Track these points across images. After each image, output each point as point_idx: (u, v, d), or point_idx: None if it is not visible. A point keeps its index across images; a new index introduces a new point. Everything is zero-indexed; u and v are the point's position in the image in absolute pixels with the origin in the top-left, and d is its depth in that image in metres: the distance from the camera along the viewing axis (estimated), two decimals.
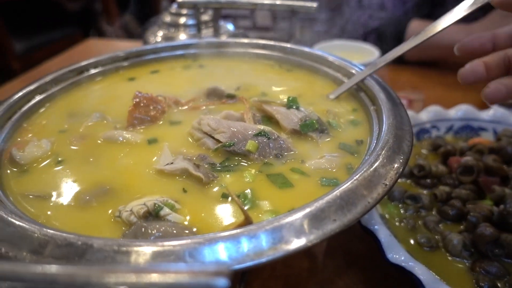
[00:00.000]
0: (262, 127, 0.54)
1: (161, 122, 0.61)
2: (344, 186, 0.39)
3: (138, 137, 0.57)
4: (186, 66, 0.81)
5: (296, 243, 0.34)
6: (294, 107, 0.60)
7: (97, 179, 0.49)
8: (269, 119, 0.60)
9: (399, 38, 1.22)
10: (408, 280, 0.49)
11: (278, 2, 0.86)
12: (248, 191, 0.46)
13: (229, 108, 0.62)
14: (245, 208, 0.43)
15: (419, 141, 0.82)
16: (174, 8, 1.13)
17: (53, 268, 0.24)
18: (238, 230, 0.34)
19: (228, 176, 0.49)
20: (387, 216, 0.63)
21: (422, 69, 1.25)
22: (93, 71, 0.76)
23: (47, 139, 0.57)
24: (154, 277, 0.23)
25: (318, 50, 0.78)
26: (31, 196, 0.47)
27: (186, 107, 0.66)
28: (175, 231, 0.39)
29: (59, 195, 0.47)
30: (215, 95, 0.68)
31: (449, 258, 0.55)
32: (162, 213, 0.42)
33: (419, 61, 1.25)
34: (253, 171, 0.50)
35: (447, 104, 0.87)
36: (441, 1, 1.31)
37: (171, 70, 0.80)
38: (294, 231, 0.35)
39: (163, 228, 0.40)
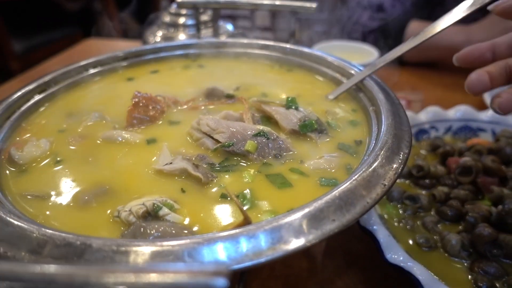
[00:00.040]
0: (261, 127, 0.54)
1: (160, 122, 0.61)
2: (343, 186, 0.39)
3: (137, 137, 0.57)
4: (186, 66, 0.81)
5: (295, 243, 0.34)
6: (293, 108, 0.60)
7: (96, 179, 0.49)
8: (268, 119, 0.60)
9: (399, 39, 1.22)
10: (407, 280, 0.49)
11: (277, 3, 0.86)
12: (247, 191, 0.46)
13: (228, 108, 0.62)
14: (244, 208, 0.43)
15: (418, 141, 0.82)
16: (173, 8, 1.13)
17: (51, 268, 0.24)
18: (237, 230, 0.34)
19: (227, 176, 0.49)
20: (386, 216, 0.63)
21: (421, 70, 1.25)
22: (92, 71, 0.75)
23: (46, 139, 0.57)
24: (153, 277, 0.23)
25: (317, 50, 0.78)
26: (29, 196, 0.47)
27: (185, 107, 0.66)
28: (174, 231, 0.39)
29: (57, 195, 0.47)
30: (215, 95, 0.68)
31: (448, 258, 0.56)
32: (161, 213, 0.42)
33: (418, 62, 1.25)
34: (252, 171, 0.50)
35: (446, 104, 0.87)
36: (441, 2, 1.31)
37: (170, 70, 0.80)
38: (293, 231, 0.35)
39: (162, 228, 0.40)
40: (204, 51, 0.83)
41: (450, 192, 0.65)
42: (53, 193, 0.48)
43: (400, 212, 0.64)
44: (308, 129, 0.55)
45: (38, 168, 0.52)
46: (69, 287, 0.24)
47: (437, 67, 1.25)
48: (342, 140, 0.55)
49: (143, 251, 0.33)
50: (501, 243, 0.54)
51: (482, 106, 0.92)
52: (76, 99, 0.70)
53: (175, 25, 1.10)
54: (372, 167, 0.42)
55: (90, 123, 0.61)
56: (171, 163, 0.50)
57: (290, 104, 0.60)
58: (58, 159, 0.53)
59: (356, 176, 0.41)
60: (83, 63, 0.75)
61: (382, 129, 0.49)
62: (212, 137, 0.54)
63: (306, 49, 0.77)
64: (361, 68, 0.66)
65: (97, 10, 3.10)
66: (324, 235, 0.35)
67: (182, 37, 1.09)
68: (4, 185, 0.49)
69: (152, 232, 0.39)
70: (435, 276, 0.50)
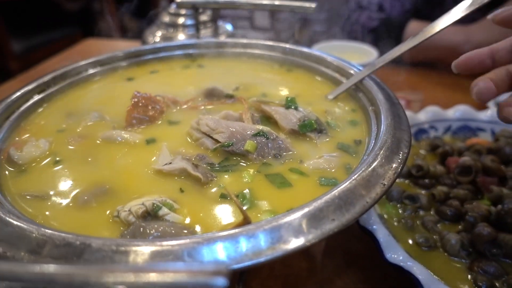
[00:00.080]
0: (260, 127, 0.54)
1: (160, 122, 0.61)
2: (343, 186, 0.39)
3: (137, 137, 0.57)
4: (185, 66, 0.81)
5: (295, 242, 0.34)
6: (292, 107, 0.60)
7: (95, 179, 0.49)
8: (267, 119, 0.60)
9: (398, 39, 1.23)
10: (407, 280, 0.49)
11: (276, 3, 0.86)
12: (246, 191, 0.46)
13: (228, 108, 0.62)
14: (244, 208, 0.43)
15: (417, 141, 0.82)
16: (172, 8, 1.13)
17: (51, 268, 0.24)
18: (237, 230, 0.34)
19: (226, 176, 0.49)
20: (385, 216, 0.63)
21: (420, 70, 1.25)
22: (91, 71, 0.75)
23: (45, 139, 0.57)
24: (153, 277, 0.23)
25: (316, 50, 0.78)
26: (28, 197, 0.47)
27: (184, 107, 0.66)
28: (173, 231, 0.39)
29: (57, 195, 0.47)
30: (214, 95, 0.68)
31: (447, 257, 0.56)
32: (160, 213, 0.42)
33: (418, 62, 1.25)
34: (251, 171, 0.50)
35: (445, 104, 0.87)
36: (440, 2, 1.32)
37: (170, 70, 0.80)
38: (292, 231, 0.35)
39: (162, 228, 0.40)
40: (204, 51, 0.83)
41: (449, 192, 0.65)
42: (52, 193, 0.47)
43: (400, 211, 0.64)
44: (308, 129, 0.56)
45: (38, 168, 0.52)
46: (69, 287, 0.24)
47: (437, 67, 1.25)
48: (342, 140, 0.55)
49: (142, 251, 0.33)
50: (501, 242, 0.54)
51: (481, 106, 0.92)
52: (75, 99, 0.70)
53: (174, 25, 1.10)
54: (372, 166, 0.42)
55: (89, 123, 0.61)
56: (170, 163, 0.50)
57: (290, 104, 0.60)
58: (58, 159, 0.53)
59: (355, 176, 0.41)
60: (82, 63, 0.75)
61: (382, 129, 0.49)
62: (211, 137, 0.54)
63: (305, 49, 0.77)
64: (360, 68, 0.66)
65: (97, 10, 3.10)
66: (323, 234, 0.35)
67: (181, 37, 1.09)
68: (3, 185, 0.49)
69: (152, 232, 0.39)
70: (434, 276, 0.50)
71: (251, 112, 0.60)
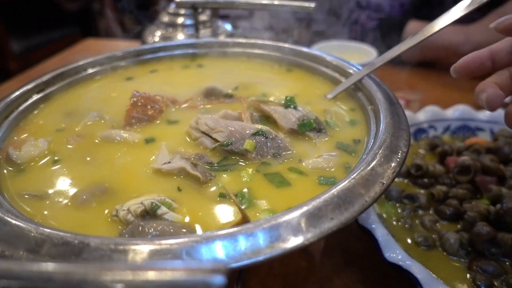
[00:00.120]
0: (259, 126, 0.54)
1: (159, 122, 0.61)
2: (342, 185, 0.39)
3: (136, 137, 0.57)
4: (185, 65, 0.81)
5: (294, 241, 0.34)
6: (291, 107, 0.60)
7: (94, 178, 0.49)
8: (267, 118, 0.60)
9: (397, 39, 1.23)
10: (406, 279, 0.49)
11: (276, 2, 0.86)
12: (245, 190, 0.46)
13: (227, 107, 0.62)
14: (243, 207, 0.43)
15: (416, 141, 0.82)
16: (172, 8, 1.13)
17: (49, 266, 0.24)
18: (236, 229, 0.34)
19: (225, 175, 0.49)
20: (384, 215, 0.63)
21: (420, 70, 1.25)
22: (90, 70, 0.75)
23: (44, 138, 0.57)
24: (151, 275, 0.22)
25: (316, 50, 0.78)
26: (27, 196, 0.47)
27: (183, 106, 0.65)
28: (172, 230, 0.39)
29: (55, 195, 0.47)
30: (213, 94, 0.68)
31: (446, 257, 0.56)
32: (159, 212, 0.42)
33: (417, 63, 1.25)
34: (250, 170, 0.50)
35: (444, 104, 0.87)
36: (439, 2, 1.32)
37: (169, 70, 0.80)
38: (291, 230, 0.35)
39: (160, 227, 0.39)
40: (203, 51, 0.83)
41: (448, 191, 0.65)
42: (51, 192, 0.47)
43: (399, 211, 0.64)
44: (307, 128, 0.56)
45: (36, 167, 0.52)
46: (67, 285, 0.23)
47: (436, 67, 1.25)
48: (341, 139, 0.55)
49: (141, 249, 0.33)
50: (499, 241, 0.55)
51: (480, 106, 0.92)
52: (74, 98, 0.70)
53: (173, 25, 1.10)
54: (371, 165, 0.42)
55: (88, 123, 0.61)
56: (169, 162, 0.50)
57: (289, 103, 0.60)
58: (56, 158, 0.53)
59: (354, 175, 0.41)
60: (81, 62, 0.75)
61: (381, 128, 0.49)
62: (210, 136, 0.54)
63: (305, 49, 0.77)
64: (359, 67, 0.66)
65: (96, 10, 3.10)
66: (322, 233, 0.35)
67: (180, 37, 1.09)
68: (1, 184, 0.49)
69: (151, 231, 0.39)
70: (433, 275, 0.50)
71: (250, 112, 0.60)
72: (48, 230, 0.35)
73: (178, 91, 0.69)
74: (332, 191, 0.38)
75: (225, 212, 0.44)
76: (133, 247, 0.33)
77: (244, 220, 0.38)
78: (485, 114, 0.84)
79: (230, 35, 1.13)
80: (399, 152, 0.45)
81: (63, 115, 0.64)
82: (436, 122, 0.84)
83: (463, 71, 0.49)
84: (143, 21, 1.16)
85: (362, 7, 1.40)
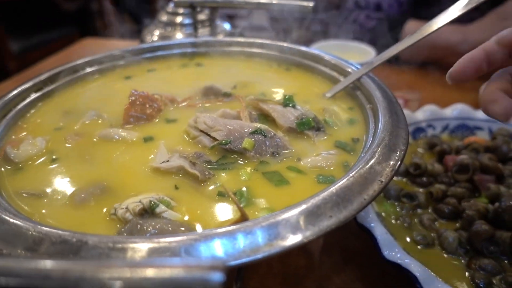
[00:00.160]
0: (258, 125, 0.54)
1: (157, 120, 0.61)
2: (340, 183, 0.39)
3: (134, 135, 0.57)
4: (183, 64, 0.81)
5: (292, 239, 0.34)
6: (290, 105, 0.60)
7: (92, 177, 0.49)
8: (265, 117, 0.60)
9: (396, 39, 1.23)
10: (405, 277, 0.49)
11: (274, 2, 0.86)
12: (244, 189, 0.46)
13: (226, 106, 0.62)
14: (241, 205, 0.43)
15: (415, 140, 0.82)
16: (170, 7, 1.12)
17: (47, 264, 0.24)
18: (234, 227, 0.34)
19: (224, 174, 0.49)
20: (383, 214, 0.63)
21: (418, 69, 1.25)
22: (89, 69, 0.75)
23: (42, 137, 0.56)
24: (149, 272, 0.22)
25: (314, 49, 0.78)
26: (25, 194, 0.47)
27: (182, 105, 0.65)
28: (171, 228, 0.39)
29: (53, 193, 0.47)
30: (212, 93, 0.68)
31: (445, 255, 0.56)
32: (157, 210, 0.42)
33: (416, 62, 1.26)
34: (249, 169, 0.49)
35: (443, 103, 0.88)
36: (437, 2, 1.32)
37: (168, 69, 0.80)
38: (290, 228, 0.35)
39: (159, 225, 0.39)
40: (202, 50, 0.83)
41: (447, 190, 0.65)
42: (49, 191, 0.47)
43: (398, 210, 0.64)
44: (305, 126, 0.55)
45: (34, 166, 0.52)
46: (65, 283, 0.23)
47: (434, 67, 1.25)
48: (339, 137, 0.55)
49: (139, 247, 0.33)
50: (498, 240, 0.55)
51: (478, 105, 0.92)
52: (72, 97, 0.70)
53: (172, 24, 1.10)
54: (369, 164, 0.42)
55: (86, 122, 0.61)
56: (168, 161, 0.50)
57: (288, 102, 0.60)
58: (54, 157, 0.53)
59: (353, 173, 0.41)
60: (79, 61, 0.74)
61: (379, 126, 0.49)
62: (209, 135, 0.53)
63: (303, 48, 0.77)
64: (358, 66, 0.66)
65: (94, 10, 3.09)
66: (321, 231, 0.35)
67: (179, 36, 1.09)
68: None
69: (149, 229, 0.39)
70: (432, 273, 0.50)
71: (248, 110, 0.59)
72: (46, 229, 0.35)
73: (177, 90, 0.69)
74: (331, 189, 0.38)
75: (223, 211, 0.44)
76: (131, 245, 0.33)
77: (243, 218, 0.38)
78: (483, 113, 0.84)
79: (229, 34, 1.13)
80: (397, 151, 0.45)
81: (61, 114, 0.64)
82: (435, 121, 0.84)
83: (458, 77, 0.48)
84: (142, 20, 1.16)
85: (361, 6, 1.40)
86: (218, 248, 0.33)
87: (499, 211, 0.57)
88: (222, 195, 0.45)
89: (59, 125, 0.61)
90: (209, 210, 0.44)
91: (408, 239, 0.58)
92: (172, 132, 0.58)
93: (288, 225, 0.35)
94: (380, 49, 1.14)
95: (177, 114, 0.63)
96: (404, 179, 0.71)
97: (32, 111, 0.65)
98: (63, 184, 0.48)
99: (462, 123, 0.84)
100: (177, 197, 0.45)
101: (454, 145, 0.76)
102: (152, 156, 0.52)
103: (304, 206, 0.36)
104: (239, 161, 0.51)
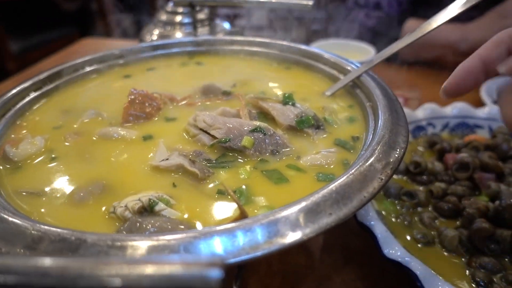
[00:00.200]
0: (258, 123, 0.54)
1: (157, 119, 0.61)
2: (340, 181, 0.39)
3: (133, 134, 0.57)
4: (183, 63, 0.81)
5: (292, 236, 0.34)
6: (290, 104, 0.60)
7: (91, 175, 0.49)
8: (265, 115, 0.60)
9: (396, 37, 1.23)
10: (405, 276, 0.49)
11: (274, 0, 0.86)
12: (243, 187, 0.46)
13: (225, 105, 0.62)
14: (241, 203, 0.43)
15: (415, 138, 0.82)
16: (170, 6, 1.12)
17: (45, 261, 0.24)
18: (234, 224, 0.34)
19: (223, 172, 0.49)
20: (383, 212, 0.63)
21: (418, 68, 1.25)
22: (88, 68, 0.75)
23: (41, 136, 0.56)
24: (148, 269, 0.22)
25: (314, 47, 0.78)
26: (24, 193, 0.47)
27: (181, 103, 0.65)
28: (170, 226, 0.39)
29: (52, 192, 0.47)
30: (211, 92, 0.68)
31: (445, 253, 0.55)
32: (157, 208, 0.41)
33: (415, 61, 1.25)
34: (248, 167, 0.49)
35: (443, 102, 0.87)
36: (437, 0, 1.32)
37: (167, 68, 0.80)
38: (289, 225, 0.35)
39: (158, 223, 0.39)
40: (202, 49, 0.83)
41: (447, 188, 0.65)
42: (48, 189, 0.47)
43: (398, 208, 0.64)
44: (305, 124, 0.55)
45: (33, 165, 0.52)
46: (63, 280, 0.23)
47: (434, 65, 1.25)
48: (339, 135, 0.55)
49: (138, 245, 0.33)
50: (498, 238, 0.54)
51: (478, 103, 0.92)
52: (72, 96, 0.70)
53: (171, 24, 1.10)
54: (369, 161, 0.42)
55: (86, 120, 0.61)
56: (167, 159, 0.49)
57: (287, 100, 0.60)
58: (53, 156, 0.53)
59: (353, 171, 0.40)
60: (79, 60, 0.74)
61: (379, 124, 0.49)
62: (208, 133, 0.53)
63: (303, 46, 0.77)
64: (358, 64, 0.66)
65: (94, 10, 3.09)
66: (321, 228, 0.35)
67: (178, 35, 1.09)
68: None
69: (148, 227, 0.39)
70: (432, 271, 0.50)
71: (248, 109, 0.59)
72: (45, 227, 0.35)
73: (176, 89, 0.69)
74: (331, 186, 0.38)
75: (223, 209, 0.43)
76: (130, 243, 0.33)
77: (242, 216, 0.38)
78: (483, 112, 0.84)
79: (228, 33, 1.13)
80: (397, 148, 0.45)
81: (60, 112, 0.64)
82: (435, 119, 0.84)
83: (453, 92, 0.44)
84: (141, 19, 1.16)
85: (361, 5, 1.40)
86: (217, 246, 0.33)
87: (500, 209, 0.57)
88: (221, 193, 0.45)
89: (59, 124, 0.61)
90: (209, 208, 0.44)
91: (408, 237, 0.58)
92: (171, 130, 0.58)
93: (288, 222, 0.35)
94: (379, 48, 1.14)
95: (176, 112, 0.62)
96: (404, 178, 0.71)
97: (32, 110, 0.65)
98: (62, 183, 0.48)
99: (462, 121, 0.84)
100: (176, 195, 0.45)
101: (454, 144, 0.76)
102: (151, 154, 0.52)
103: (303, 204, 0.36)
104: (238, 159, 0.51)
